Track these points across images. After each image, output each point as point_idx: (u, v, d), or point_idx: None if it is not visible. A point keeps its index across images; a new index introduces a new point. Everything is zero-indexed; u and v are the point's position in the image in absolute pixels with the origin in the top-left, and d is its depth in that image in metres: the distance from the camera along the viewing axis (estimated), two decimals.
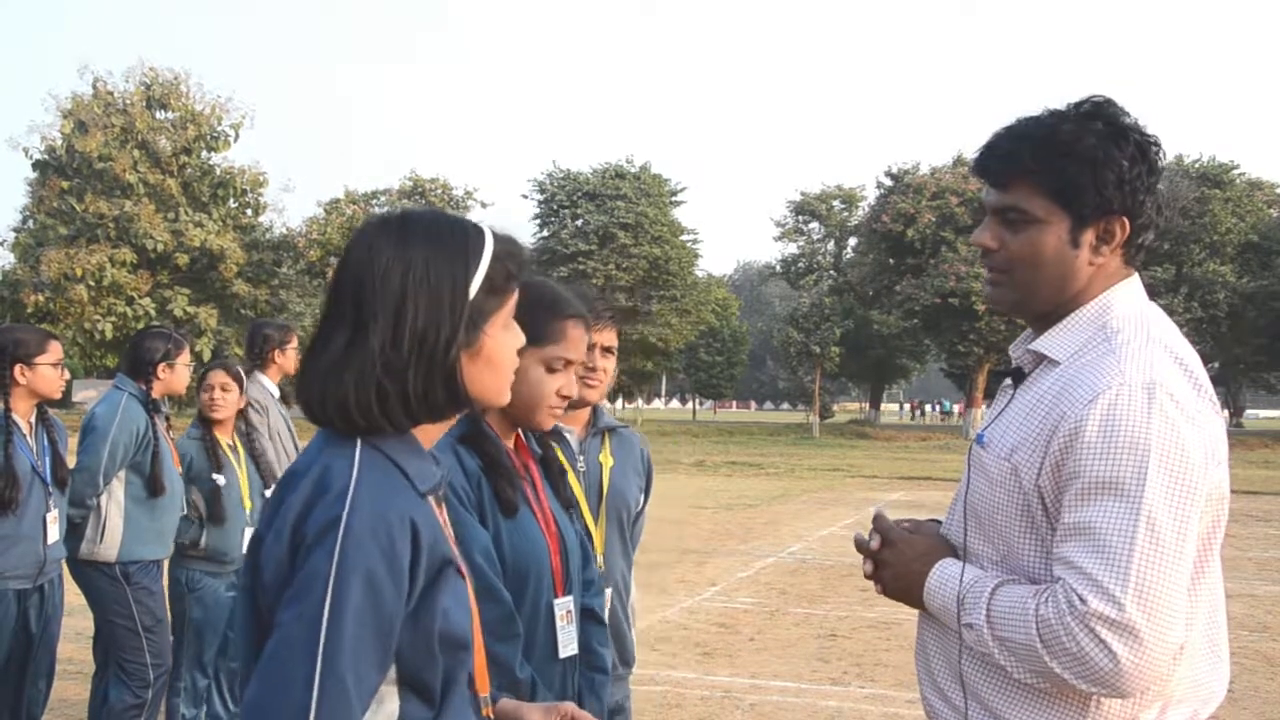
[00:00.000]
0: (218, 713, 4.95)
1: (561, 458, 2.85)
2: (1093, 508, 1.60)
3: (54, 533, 4.27)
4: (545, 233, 47.00)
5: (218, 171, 43.56)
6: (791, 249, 55.95)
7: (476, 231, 1.52)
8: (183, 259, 40.98)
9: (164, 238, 40.40)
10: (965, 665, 1.74)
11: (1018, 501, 1.71)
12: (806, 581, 9.86)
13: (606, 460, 2.95)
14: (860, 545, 1.91)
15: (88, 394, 37.35)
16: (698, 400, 68.84)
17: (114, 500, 4.54)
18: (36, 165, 42.02)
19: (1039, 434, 1.69)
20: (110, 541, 4.52)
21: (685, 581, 9.74)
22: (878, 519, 1.92)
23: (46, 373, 4.23)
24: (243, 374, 5.10)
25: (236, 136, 43.60)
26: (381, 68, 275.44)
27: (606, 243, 44.89)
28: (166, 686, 4.72)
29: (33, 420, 4.30)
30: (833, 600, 8.91)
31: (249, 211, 44.79)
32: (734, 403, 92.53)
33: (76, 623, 6.23)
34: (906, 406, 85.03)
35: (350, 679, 1.31)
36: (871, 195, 48.55)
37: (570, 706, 1.74)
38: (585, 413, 2.95)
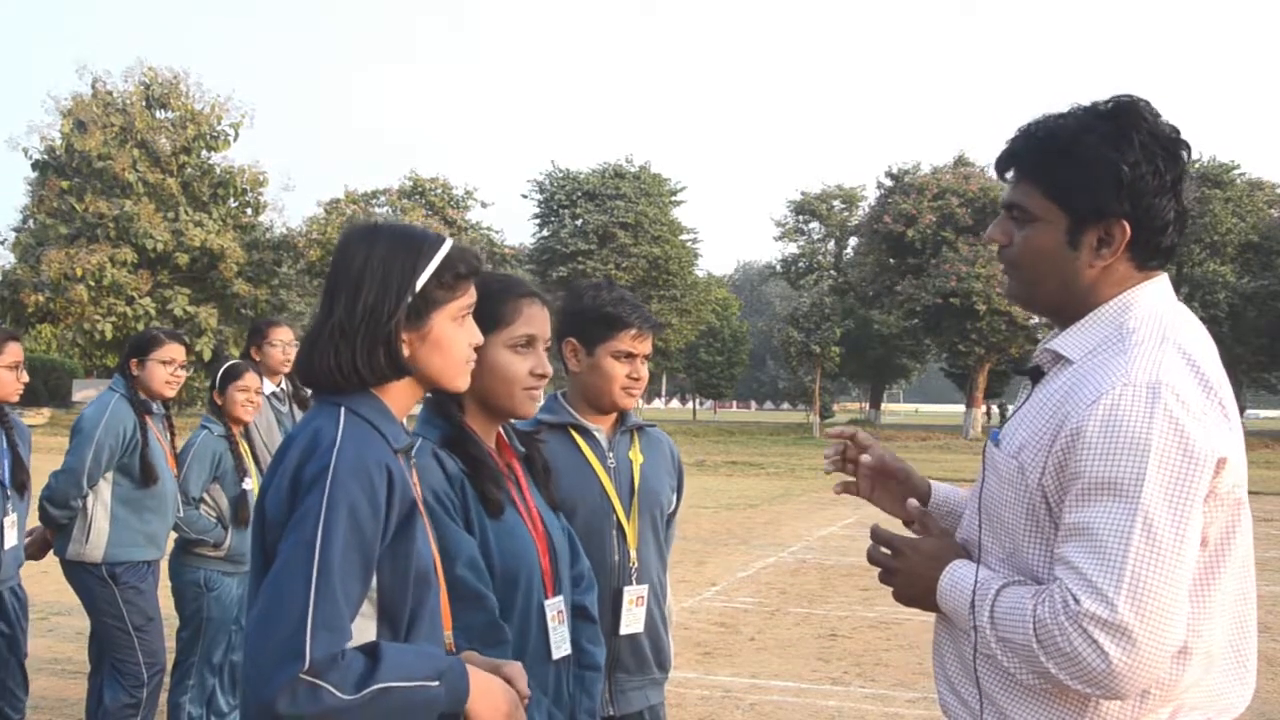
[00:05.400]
0: (220, 708, 4.93)
1: (590, 455, 2.84)
2: (1091, 508, 1.59)
3: (11, 538, 4.20)
4: (545, 232, 46.93)
5: (217, 171, 43.43)
6: (792, 249, 55.85)
7: (436, 238, 1.84)
8: (183, 258, 40.89)
9: (164, 237, 40.30)
10: (980, 665, 1.74)
11: (1024, 500, 1.70)
12: (807, 581, 9.85)
13: (636, 457, 2.93)
14: (874, 559, 1.92)
15: (87, 394, 37.28)
16: (698, 400, 68.83)
17: (100, 501, 4.50)
18: (36, 165, 41.94)
19: (1044, 434, 1.68)
20: (96, 542, 4.49)
21: (685, 581, 9.72)
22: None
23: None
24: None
25: (236, 136, 43.44)
26: (381, 68, 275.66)
27: (606, 242, 44.82)
28: (162, 685, 4.69)
29: None
30: (833, 600, 8.89)
31: (249, 211, 44.67)
32: (734, 403, 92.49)
33: (75, 622, 6.22)
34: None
35: (339, 589, 1.59)
36: (872, 195, 48.51)
37: (516, 667, 1.87)
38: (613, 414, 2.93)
